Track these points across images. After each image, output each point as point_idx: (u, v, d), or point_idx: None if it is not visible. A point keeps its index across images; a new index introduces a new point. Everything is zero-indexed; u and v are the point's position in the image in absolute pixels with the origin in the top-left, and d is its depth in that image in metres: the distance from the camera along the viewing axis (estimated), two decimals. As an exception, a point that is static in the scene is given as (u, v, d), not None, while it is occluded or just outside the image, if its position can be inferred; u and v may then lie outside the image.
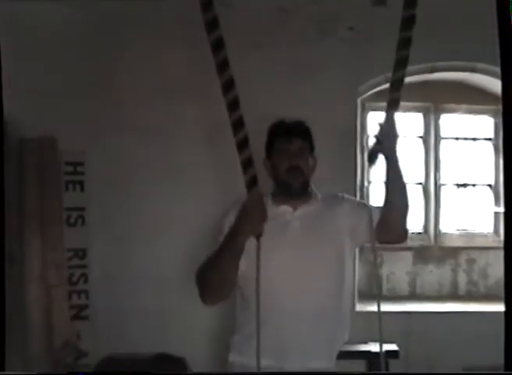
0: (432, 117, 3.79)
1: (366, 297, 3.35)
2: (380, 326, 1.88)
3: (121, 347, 2.72)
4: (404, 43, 1.82)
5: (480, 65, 3.30)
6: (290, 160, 1.96)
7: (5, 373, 1.46)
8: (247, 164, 1.79)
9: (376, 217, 1.95)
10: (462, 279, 3.76)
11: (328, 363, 1.95)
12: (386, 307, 3.31)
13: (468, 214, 3.84)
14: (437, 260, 3.76)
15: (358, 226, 1.99)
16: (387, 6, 3.11)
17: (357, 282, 3.29)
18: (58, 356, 2.80)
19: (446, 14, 3.05)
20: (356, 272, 3.20)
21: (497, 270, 3.68)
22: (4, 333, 1.42)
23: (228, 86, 1.77)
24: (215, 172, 3.07)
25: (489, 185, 3.83)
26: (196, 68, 2.96)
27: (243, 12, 3.03)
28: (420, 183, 3.78)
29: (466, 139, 3.85)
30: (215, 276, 1.87)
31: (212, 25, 1.76)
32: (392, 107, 1.86)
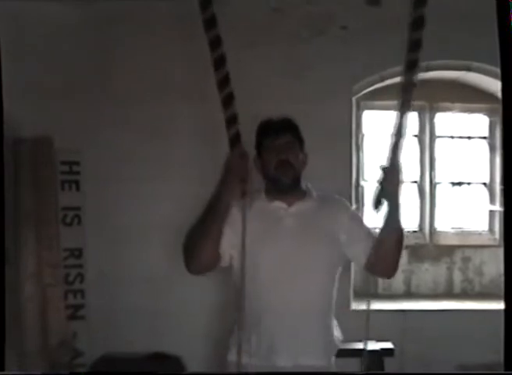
0: (427, 116, 3.79)
1: (361, 295, 3.35)
2: (367, 325, 1.89)
3: (117, 346, 2.72)
4: (414, 45, 1.81)
5: (475, 63, 3.31)
6: (279, 155, 1.95)
7: (4, 373, 1.46)
8: (231, 121, 1.81)
9: (369, 246, 1.95)
10: (457, 277, 3.77)
11: (324, 362, 1.95)
12: (381, 305, 3.33)
13: (463, 212, 3.85)
14: (432, 258, 3.77)
15: (352, 245, 1.98)
16: (381, 6, 3.12)
17: (352, 281, 3.29)
18: (53, 356, 2.79)
19: (441, 13, 3.04)
20: (351, 270, 3.21)
21: (492, 268, 3.69)
22: (4, 334, 1.42)
23: (224, 82, 1.80)
24: (211, 170, 3.06)
25: (484, 183, 3.84)
26: (192, 67, 2.96)
27: (238, 11, 3.03)
28: (415, 182, 3.77)
29: (461, 137, 3.85)
30: (199, 241, 1.88)
31: (211, 23, 1.78)
32: (404, 108, 1.81)
